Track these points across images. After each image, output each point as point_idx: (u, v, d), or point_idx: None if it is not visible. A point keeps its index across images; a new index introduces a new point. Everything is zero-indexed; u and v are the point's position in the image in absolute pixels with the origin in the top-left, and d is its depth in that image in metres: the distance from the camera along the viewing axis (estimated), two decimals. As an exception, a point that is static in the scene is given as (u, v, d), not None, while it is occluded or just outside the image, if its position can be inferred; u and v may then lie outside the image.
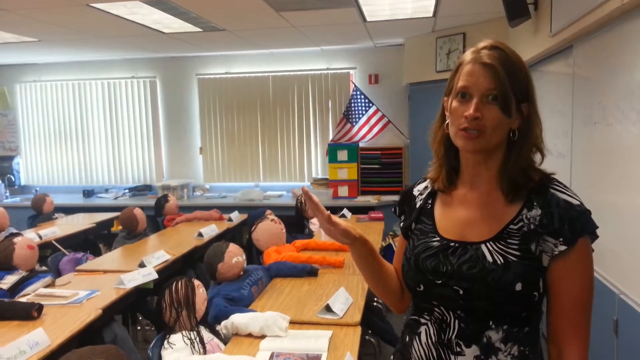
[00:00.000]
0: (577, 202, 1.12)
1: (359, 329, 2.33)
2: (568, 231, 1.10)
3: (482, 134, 1.12)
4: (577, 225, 1.10)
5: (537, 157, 1.20)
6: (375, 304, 3.69)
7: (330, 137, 6.58)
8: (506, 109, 1.11)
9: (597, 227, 1.13)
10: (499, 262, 1.12)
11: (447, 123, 1.20)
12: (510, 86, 1.11)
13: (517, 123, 1.15)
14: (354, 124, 6.39)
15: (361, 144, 6.44)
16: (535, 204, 1.14)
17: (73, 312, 2.65)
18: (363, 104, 6.37)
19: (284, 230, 3.71)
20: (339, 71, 6.59)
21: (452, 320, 1.17)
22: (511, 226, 1.15)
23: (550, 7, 3.28)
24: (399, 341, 1.32)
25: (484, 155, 1.18)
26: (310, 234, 4.52)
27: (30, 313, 2.54)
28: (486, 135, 1.12)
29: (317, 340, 2.17)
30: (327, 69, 6.60)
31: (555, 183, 1.16)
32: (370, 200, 6.07)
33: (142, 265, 3.41)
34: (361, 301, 2.64)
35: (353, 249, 1.28)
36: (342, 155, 6.29)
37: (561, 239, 1.10)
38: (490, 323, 1.14)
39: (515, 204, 1.16)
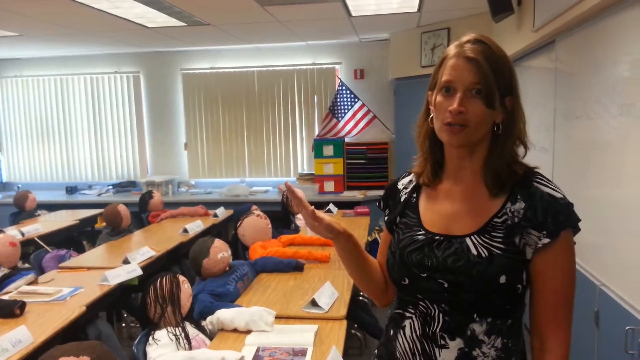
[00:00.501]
0: (560, 196, 1.14)
1: (344, 323, 2.34)
2: (551, 224, 1.11)
3: (466, 128, 1.13)
4: (560, 218, 1.11)
5: (521, 150, 1.21)
6: (361, 298, 3.71)
7: (316, 133, 6.58)
8: (490, 102, 1.12)
9: (580, 220, 1.14)
10: (483, 255, 1.13)
11: (432, 117, 1.21)
12: (494, 80, 1.12)
13: (501, 117, 1.16)
14: (340, 119, 6.40)
15: (347, 139, 6.45)
16: (519, 197, 1.15)
17: (56, 309, 2.63)
18: (349, 99, 6.37)
19: (270, 226, 3.71)
20: (324, 66, 6.58)
21: (437, 313, 1.18)
22: (495, 219, 1.16)
23: (533, 2, 3.31)
24: (383, 335, 1.33)
25: (469, 149, 1.19)
26: (296, 229, 4.52)
27: (13, 310, 2.51)
28: (470, 130, 1.13)
29: (303, 334, 2.18)
30: (313, 64, 6.59)
31: (539, 177, 1.17)
32: (356, 195, 6.09)
33: (126, 261, 3.38)
34: (347, 295, 2.65)
35: (337, 243, 1.29)
36: (328, 150, 6.29)
37: (544, 232, 1.11)
38: (475, 316, 1.15)
39: (499, 198, 1.17)
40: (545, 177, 1.18)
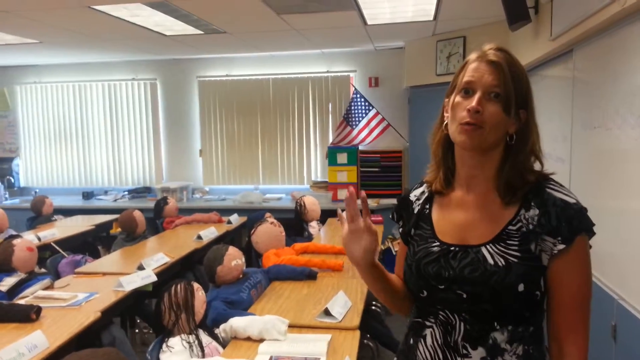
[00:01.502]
0: (574, 201, 1.14)
1: (357, 333, 2.33)
2: (566, 230, 1.11)
3: (481, 129, 1.13)
4: (574, 224, 1.12)
5: (537, 165, 1.21)
6: (374, 307, 3.69)
7: (330, 140, 6.58)
8: (507, 107, 1.13)
9: (594, 225, 1.15)
10: (500, 264, 1.13)
11: (446, 123, 1.21)
12: (513, 85, 1.14)
13: (514, 128, 1.17)
14: (354, 126, 6.39)
15: (361, 147, 6.44)
16: (532, 204, 1.16)
17: (72, 314, 2.65)
18: (363, 107, 6.37)
19: (284, 233, 3.71)
20: (339, 74, 6.59)
21: (457, 322, 1.18)
22: (510, 227, 1.16)
23: (551, 11, 3.29)
24: (402, 343, 1.33)
25: (481, 156, 1.19)
26: (310, 237, 4.51)
27: (29, 315, 2.54)
28: (485, 131, 1.14)
29: (316, 344, 2.17)
30: (328, 71, 6.60)
31: (551, 182, 1.18)
32: (370, 203, 6.04)
33: (141, 267, 3.40)
34: (360, 305, 2.64)
35: (363, 270, 1.26)
36: (342, 158, 6.28)
37: (559, 238, 1.12)
38: (495, 324, 1.15)
39: (512, 205, 1.17)
40: (557, 183, 1.18)
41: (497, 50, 1.17)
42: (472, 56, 1.19)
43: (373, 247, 1.21)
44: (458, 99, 1.17)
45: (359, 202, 1.20)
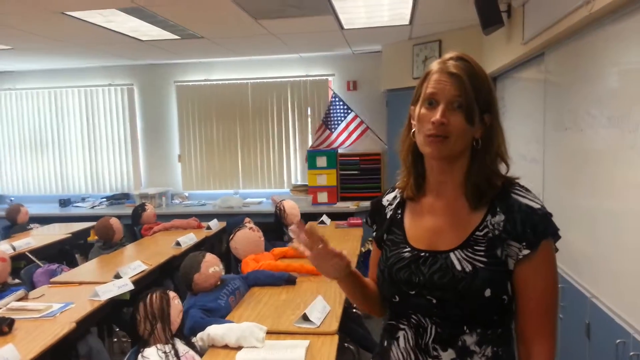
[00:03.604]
0: (538, 206, 1.16)
1: (336, 338, 2.33)
2: (530, 235, 1.14)
3: (447, 139, 1.15)
4: (539, 229, 1.14)
5: (503, 167, 1.23)
6: (353, 310, 3.70)
7: (310, 144, 6.59)
8: (470, 116, 1.15)
9: (559, 229, 1.17)
10: (467, 269, 1.15)
11: (414, 131, 1.23)
12: (474, 95, 1.15)
13: (479, 132, 1.19)
14: (333, 130, 6.41)
15: (340, 150, 6.46)
16: (498, 209, 1.18)
17: (46, 326, 2.61)
18: (342, 110, 6.39)
19: (262, 239, 3.70)
20: (317, 78, 6.60)
21: (429, 325, 1.20)
22: (477, 233, 1.18)
23: (523, 15, 3.34)
24: (378, 345, 1.36)
25: (449, 163, 1.21)
26: (290, 241, 4.50)
27: (1, 328, 2.48)
28: (451, 141, 1.16)
29: (294, 350, 2.16)
30: (306, 75, 6.61)
31: (517, 188, 1.20)
32: (350, 206, 6.08)
33: (117, 276, 3.36)
34: (339, 309, 2.64)
35: (344, 283, 1.32)
36: (322, 161, 6.30)
37: (524, 243, 1.14)
38: (465, 328, 1.17)
39: (480, 211, 1.20)
40: (523, 188, 1.21)
41: (457, 60, 1.18)
42: (434, 66, 1.20)
43: (342, 266, 1.26)
44: (423, 110, 1.19)
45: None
